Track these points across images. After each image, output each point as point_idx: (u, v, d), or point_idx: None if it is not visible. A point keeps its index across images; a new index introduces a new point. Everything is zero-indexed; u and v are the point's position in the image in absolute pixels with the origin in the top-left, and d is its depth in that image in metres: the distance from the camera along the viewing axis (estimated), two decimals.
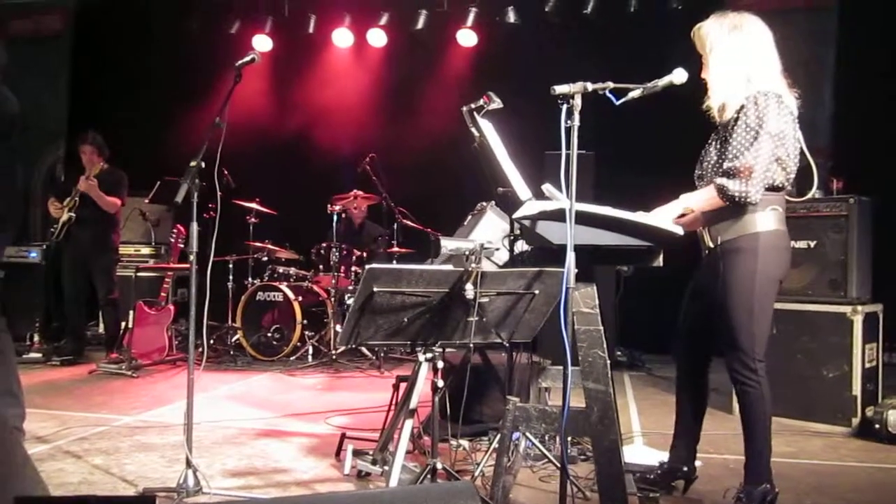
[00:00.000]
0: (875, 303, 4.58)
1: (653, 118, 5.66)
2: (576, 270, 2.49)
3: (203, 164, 3.19)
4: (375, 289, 2.61)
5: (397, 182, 7.29)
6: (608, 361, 2.73)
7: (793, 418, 4.51)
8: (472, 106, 3.13)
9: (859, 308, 4.38)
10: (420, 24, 8.27)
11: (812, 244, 4.54)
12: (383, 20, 8.43)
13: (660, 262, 2.84)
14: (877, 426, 4.21)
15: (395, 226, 7.17)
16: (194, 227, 3.19)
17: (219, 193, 3.49)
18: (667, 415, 3.79)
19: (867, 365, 4.42)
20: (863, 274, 4.49)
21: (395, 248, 7.08)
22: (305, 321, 6.89)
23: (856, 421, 4.35)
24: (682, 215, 3.02)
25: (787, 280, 3.09)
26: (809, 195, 3.55)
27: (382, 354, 6.61)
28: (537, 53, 7.79)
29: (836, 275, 4.48)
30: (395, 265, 3.70)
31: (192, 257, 3.26)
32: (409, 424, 3.04)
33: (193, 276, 3.33)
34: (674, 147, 4.61)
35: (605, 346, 2.73)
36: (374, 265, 2.62)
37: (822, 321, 4.48)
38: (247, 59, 3.40)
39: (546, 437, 3.66)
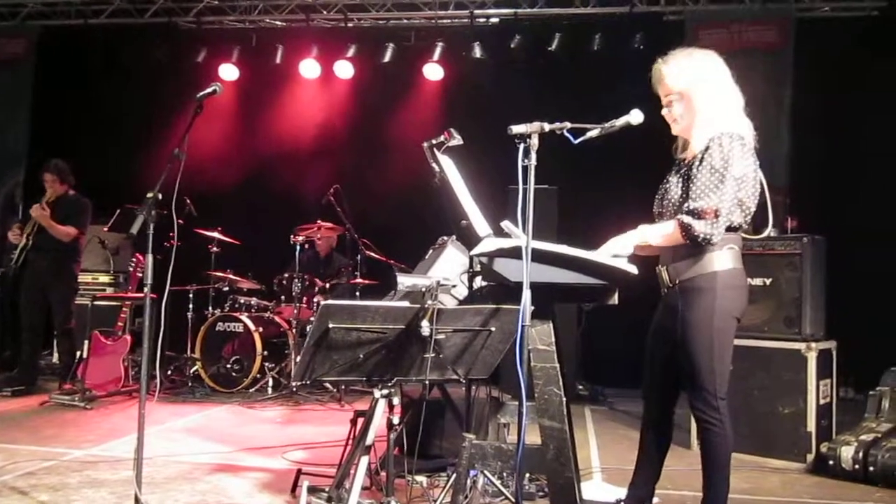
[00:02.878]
0: (829, 339, 4.66)
1: (618, 151, 5.74)
2: (532, 307, 2.50)
3: (160, 196, 3.16)
4: (331, 325, 2.59)
5: (362, 213, 7.28)
6: (564, 399, 2.74)
7: (749, 454, 4.54)
8: (433, 142, 3.15)
9: (813, 345, 4.45)
10: (387, 58, 8.34)
11: (768, 282, 4.62)
12: (350, 52, 8.47)
13: (615, 300, 2.86)
14: (831, 462, 4.25)
15: (359, 257, 7.14)
16: (150, 259, 3.15)
17: (178, 222, 3.45)
18: (627, 450, 3.81)
19: (821, 401, 4.48)
20: (817, 311, 4.58)
21: (359, 280, 7.04)
22: (266, 352, 6.78)
23: (811, 457, 4.39)
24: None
25: (743, 317, 3.12)
26: (765, 233, 3.61)
27: (343, 387, 6.54)
28: (503, 88, 7.89)
29: (791, 312, 4.55)
30: (350, 301, 3.68)
31: (146, 289, 3.22)
32: (364, 461, 3.01)
33: (148, 307, 3.28)
34: (638, 179, 4.66)
35: (561, 383, 2.74)
36: (330, 301, 2.61)
37: (778, 357, 4.54)
38: (208, 90, 3.40)
39: (504, 474, 3.64)
